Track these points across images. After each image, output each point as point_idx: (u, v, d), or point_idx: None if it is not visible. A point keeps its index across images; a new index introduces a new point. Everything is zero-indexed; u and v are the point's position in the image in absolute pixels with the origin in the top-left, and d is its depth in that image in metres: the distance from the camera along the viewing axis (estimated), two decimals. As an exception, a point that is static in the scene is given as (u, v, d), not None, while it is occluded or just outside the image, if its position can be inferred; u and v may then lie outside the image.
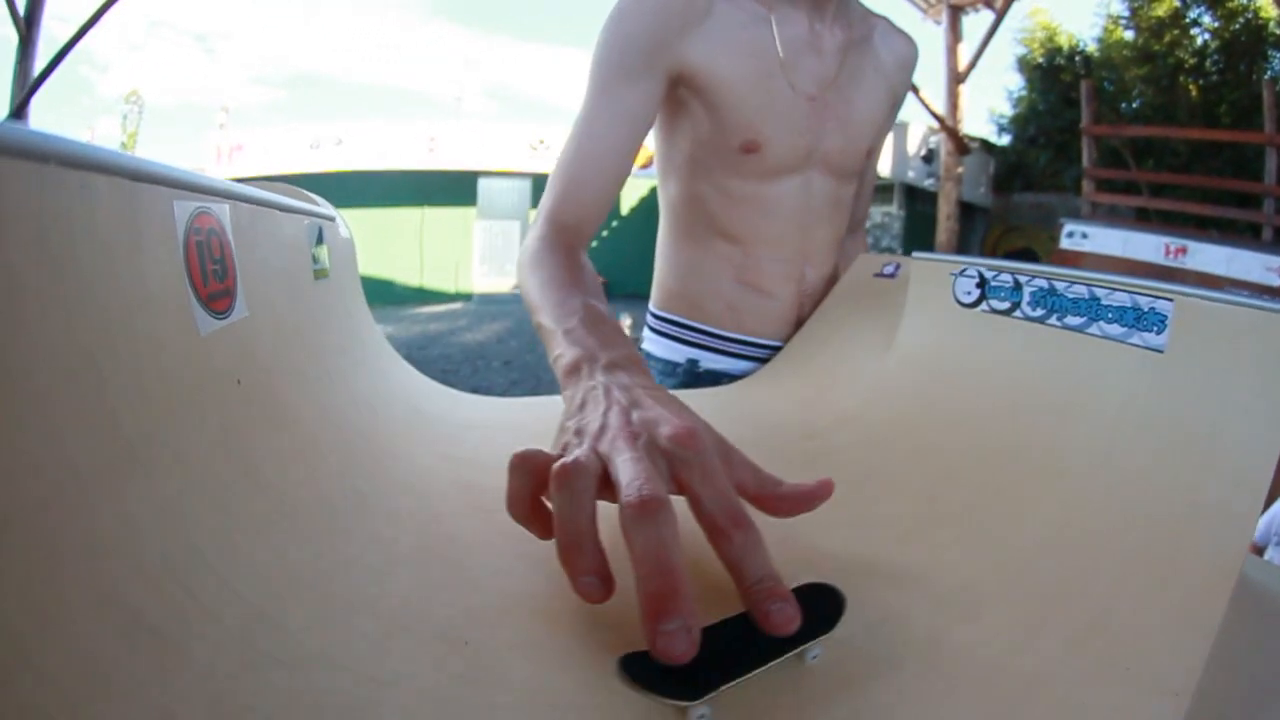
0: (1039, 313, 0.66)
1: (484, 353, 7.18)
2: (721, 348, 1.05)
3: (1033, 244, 11.27)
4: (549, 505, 0.36)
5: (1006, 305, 0.69)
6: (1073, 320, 0.63)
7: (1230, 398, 0.50)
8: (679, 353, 1.07)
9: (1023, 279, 0.67)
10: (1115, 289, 0.60)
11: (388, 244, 11.84)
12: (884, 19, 1.02)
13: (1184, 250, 3.72)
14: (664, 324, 1.10)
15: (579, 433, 0.41)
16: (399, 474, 0.52)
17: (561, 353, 0.56)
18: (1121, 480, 0.53)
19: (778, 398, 0.85)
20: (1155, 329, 0.57)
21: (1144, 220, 5.19)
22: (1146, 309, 0.58)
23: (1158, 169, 8.16)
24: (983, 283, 0.71)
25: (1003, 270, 0.69)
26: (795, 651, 0.31)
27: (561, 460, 0.36)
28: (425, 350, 7.29)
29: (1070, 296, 0.64)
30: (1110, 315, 0.61)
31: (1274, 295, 3.39)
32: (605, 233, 14.34)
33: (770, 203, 0.96)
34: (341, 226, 0.77)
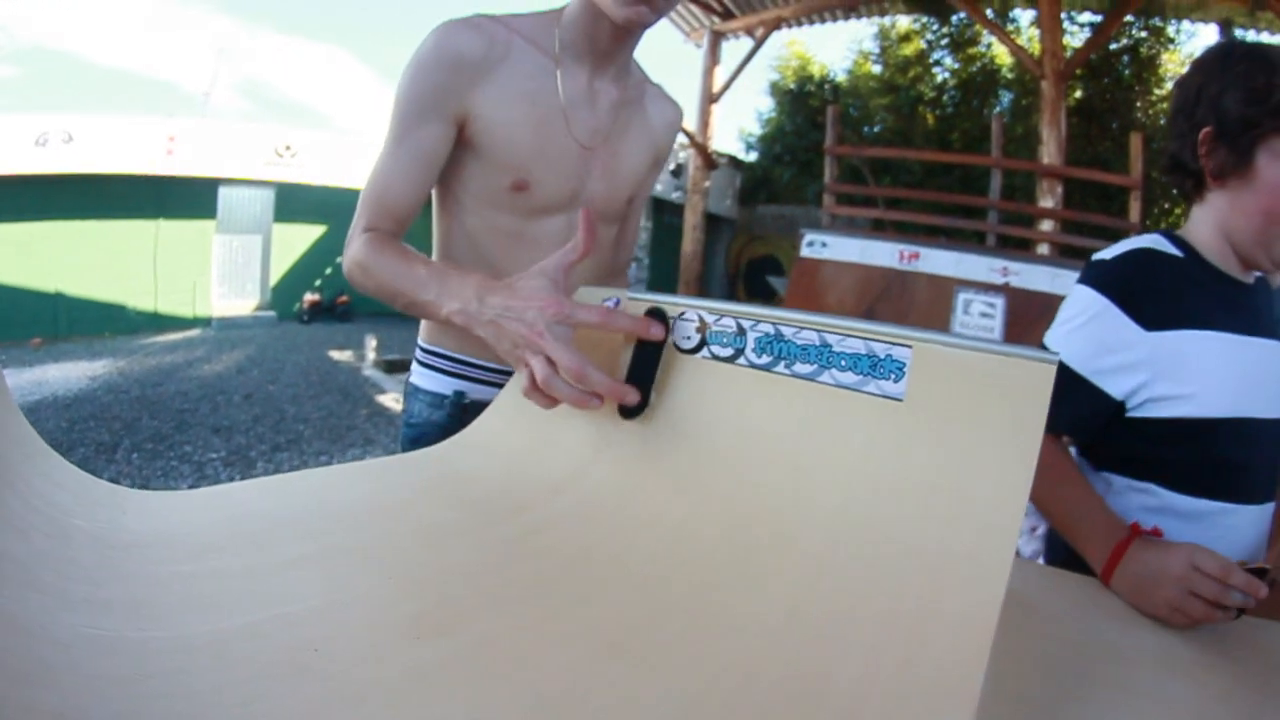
0: (765, 360, 0.60)
1: (224, 386, 6.65)
2: (485, 378, 1.09)
3: (775, 252, 12.23)
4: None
5: (729, 352, 0.62)
6: (802, 368, 0.58)
7: (975, 445, 0.49)
8: (446, 384, 1.11)
9: (747, 324, 0.61)
10: (848, 335, 0.56)
11: (119, 261, 10.42)
12: (656, 86, 1.12)
13: (917, 255, 4.08)
14: (430, 356, 1.13)
15: (517, 346, 0.68)
16: (30, 661, 0.39)
17: (449, 309, 0.77)
18: (864, 541, 0.49)
19: (485, 460, 0.77)
20: (893, 376, 0.54)
21: (880, 230, 5.71)
22: (883, 355, 0.54)
23: (894, 185, 9.12)
24: (703, 326, 0.64)
25: (725, 314, 0.62)
26: None
27: (535, 380, 0.65)
28: (160, 387, 6.63)
29: (799, 343, 0.58)
30: (843, 362, 0.56)
31: (1000, 291, 3.85)
32: None
33: (534, 239, 1.02)
34: None
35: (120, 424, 5.26)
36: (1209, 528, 0.90)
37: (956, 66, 11.63)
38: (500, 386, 1.02)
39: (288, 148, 10.94)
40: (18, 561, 0.49)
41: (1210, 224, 0.93)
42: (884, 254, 4.07)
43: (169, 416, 5.56)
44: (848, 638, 0.43)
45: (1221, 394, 0.87)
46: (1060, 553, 0.95)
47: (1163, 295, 0.90)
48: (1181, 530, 0.87)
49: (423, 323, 1.15)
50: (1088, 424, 0.94)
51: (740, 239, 13.05)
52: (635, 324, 0.64)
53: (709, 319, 0.63)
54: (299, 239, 12.36)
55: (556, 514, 0.62)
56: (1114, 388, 0.90)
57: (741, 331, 0.60)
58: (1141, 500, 0.93)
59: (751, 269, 12.61)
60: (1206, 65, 0.92)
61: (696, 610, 0.48)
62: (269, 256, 11.78)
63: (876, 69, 12.57)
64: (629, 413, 0.64)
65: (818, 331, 0.56)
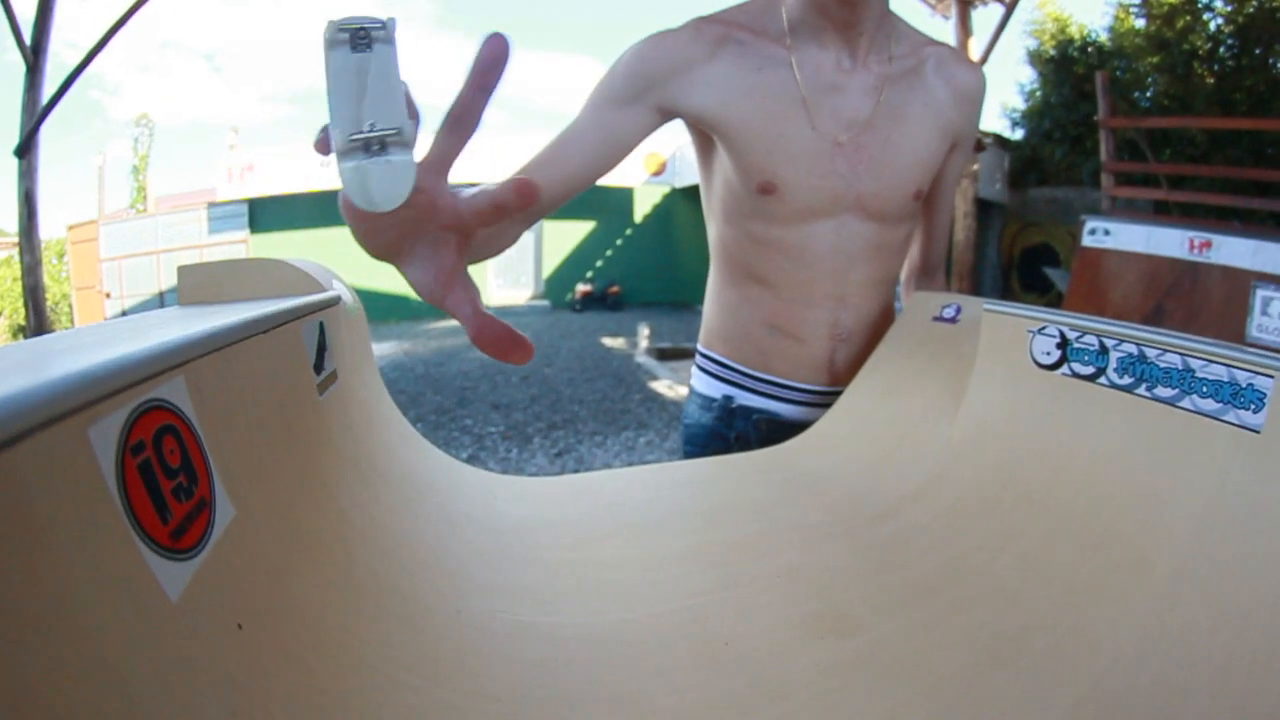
0: (1126, 381, 0.61)
1: (502, 368, 7.07)
2: (754, 387, 1.07)
3: (1051, 240, 11.05)
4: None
5: (1090, 370, 0.63)
6: (1163, 392, 0.58)
7: None
8: (716, 389, 1.10)
9: (1109, 342, 0.62)
10: (1211, 360, 0.55)
11: (403, 259, 11.78)
12: (944, 47, 0.96)
13: (1209, 244, 3.60)
14: (706, 360, 1.13)
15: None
16: (456, 648, 0.43)
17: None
18: (1215, 576, 0.48)
19: (837, 462, 0.80)
20: (1253, 407, 0.52)
21: (1163, 213, 5.09)
22: (1245, 384, 0.53)
23: (1176, 160, 8.03)
24: (1065, 343, 0.65)
25: (1088, 331, 0.64)
26: None
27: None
28: (443, 367, 7.23)
29: (1162, 365, 0.58)
30: (1205, 389, 0.55)
31: (1303, 287, 3.34)
32: (619, 241, 14.43)
33: (797, 247, 0.95)
34: (345, 296, 0.66)
35: (407, 398, 5.83)
36: None
37: (1229, 10, 9.78)
38: (767, 396, 1.06)
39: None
40: (423, 553, 0.52)
41: None
42: (1172, 242, 3.58)
43: (451, 393, 6.08)
44: (1196, 669, 0.42)
45: None
46: None
47: None
48: None
49: (702, 328, 1.15)
50: None
51: (1013, 226, 11.93)
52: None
53: (1070, 335, 0.64)
54: (570, 233, 13.44)
55: (920, 523, 0.64)
56: None
57: (1104, 350, 0.61)
58: None
59: (1025, 259, 11.47)
60: None
61: (1060, 627, 0.48)
62: (542, 250, 12.89)
63: (1140, 23, 10.94)
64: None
65: (1181, 355, 0.56)
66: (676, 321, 10.37)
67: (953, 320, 0.88)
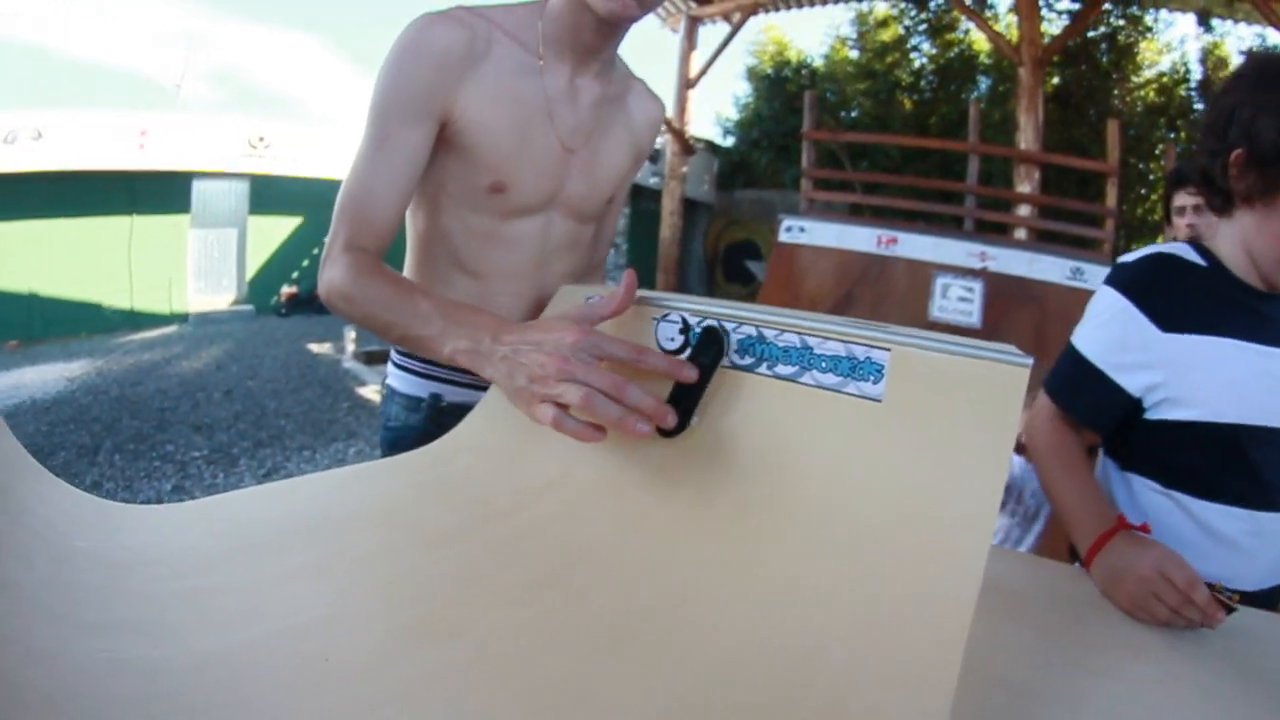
0: (747, 361, 0.61)
1: (203, 383, 6.54)
2: (462, 380, 1.07)
3: (754, 237, 12.17)
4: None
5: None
6: (784, 369, 0.59)
7: (951, 444, 0.50)
8: (422, 388, 1.09)
9: (729, 325, 0.61)
10: (829, 338, 0.57)
11: (94, 259, 10.18)
12: (640, 82, 1.09)
13: (895, 240, 4.09)
14: (406, 359, 1.12)
15: (539, 381, 0.63)
16: (48, 690, 0.40)
17: (454, 349, 0.73)
18: (847, 536, 0.51)
19: (475, 461, 0.78)
20: (872, 378, 0.55)
21: (858, 215, 5.73)
22: (862, 358, 0.56)
23: (872, 170, 9.13)
24: (686, 328, 0.65)
25: (708, 315, 0.63)
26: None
27: (553, 417, 0.61)
28: (139, 386, 6.51)
29: (780, 345, 0.59)
30: (824, 364, 0.57)
31: (978, 275, 3.88)
32: (327, 239, 13.35)
33: (511, 240, 0.99)
34: None
35: (100, 425, 5.17)
36: (1233, 537, 0.91)
37: (934, 52, 11.68)
38: (476, 389, 1.02)
39: (261, 139, 10.74)
40: (26, 590, 0.49)
41: (1235, 240, 0.94)
42: (862, 239, 4.08)
43: (149, 416, 5.46)
44: (833, 626, 0.45)
45: (1237, 400, 0.88)
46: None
47: (1181, 299, 0.92)
48: (1203, 540, 0.90)
49: None
50: (1104, 416, 0.98)
51: (718, 224, 12.98)
52: (669, 366, 0.61)
53: (691, 320, 0.63)
54: (275, 231, 12.12)
55: (547, 515, 0.63)
56: (1130, 383, 0.93)
57: (724, 333, 0.61)
58: (1161, 503, 0.95)
59: (730, 254, 12.52)
60: (1242, 84, 0.91)
61: (690, 603, 0.49)
62: (245, 250, 11.60)
63: (854, 54, 12.56)
64: (667, 433, 0.61)
65: (799, 335, 0.57)
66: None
67: None
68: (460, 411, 1.00)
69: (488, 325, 0.71)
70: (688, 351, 0.64)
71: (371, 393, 6.33)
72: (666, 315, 0.65)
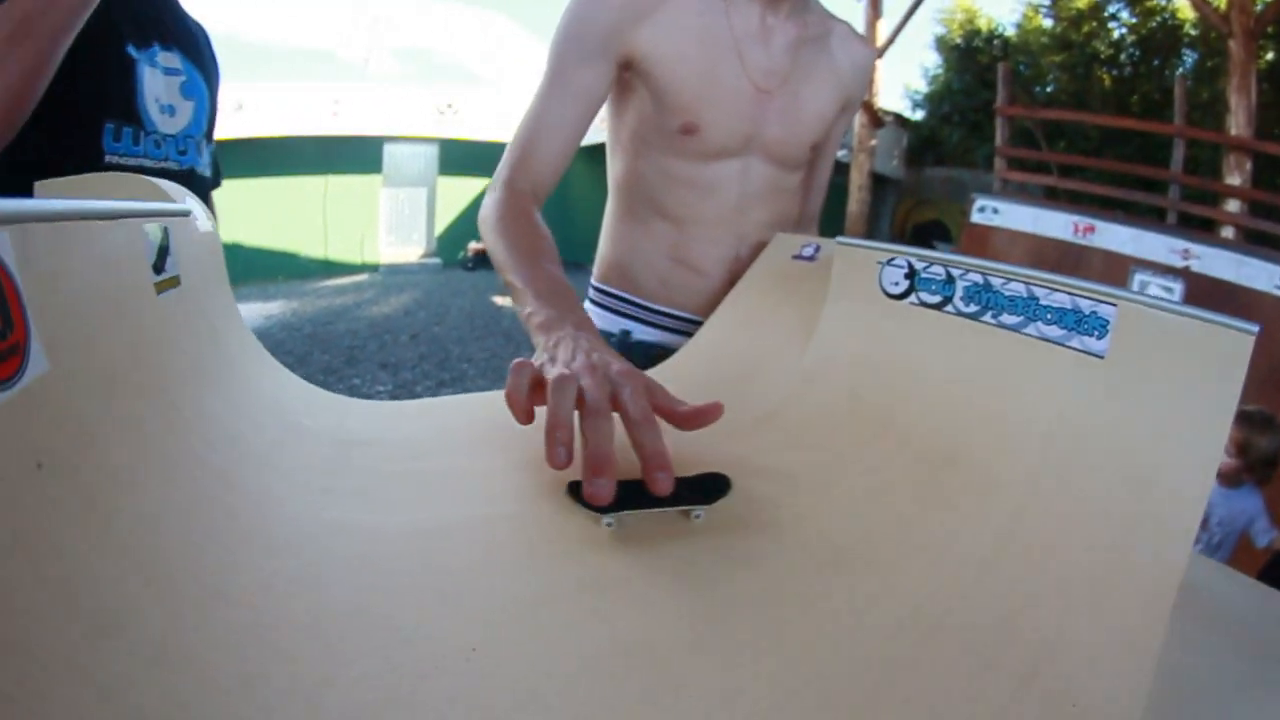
0: (972, 309, 0.61)
1: (391, 326, 6.98)
2: (653, 320, 1.10)
3: (943, 217, 11.55)
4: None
5: (938, 299, 0.63)
6: (1009, 319, 0.59)
7: (1170, 409, 0.48)
8: (613, 323, 1.12)
9: (956, 272, 0.62)
10: (1055, 289, 0.56)
11: (291, 214, 11.24)
12: (843, 24, 1.05)
13: (1092, 229, 3.82)
14: (602, 295, 1.15)
15: (553, 360, 0.58)
16: (269, 533, 0.44)
17: (534, 311, 0.70)
18: (1058, 493, 0.50)
19: (688, 392, 0.79)
20: (1096, 333, 0.54)
21: (1053, 199, 5.35)
22: (1088, 312, 0.54)
23: (1069, 151, 8.46)
24: (912, 273, 0.66)
25: (935, 261, 0.64)
26: (682, 508, 0.48)
27: (559, 372, 0.53)
28: (330, 326, 7.01)
29: (1007, 294, 0.59)
30: (1049, 316, 0.57)
31: (1179, 275, 3.56)
32: (548, 204, 13.95)
33: (707, 183, 1.00)
34: (199, 218, 0.68)
35: (293, 358, 5.61)
36: None
37: (1134, 21, 10.52)
38: (666, 330, 1.08)
39: (450, 105, 11.48)
40: (257, 448, 0.54)
41: None
42: (1057, 225, 3.82)
43: (339, 352, 5.92)
44: (1041, 585, 0.44)
45: None
46: None
47: None
48: None
49: (597, 260, 1.17)
50: None
51: (907, 202, 12.41)
52: (698, 414, 0.55)
53: (918, 265, 0.64)
54: (463, 191, 12.93)
55: (766, 443, 0.64)
56: None
57: (950, 279, 0.62)
58: None
59: (918, 233, 11.93)
60: None
61: (905, 539, 0.49)
62: (434, 207, 12.47)
63: (1047, 23, 11.58)
64: (580, 498, 0.48)
65: (1025, 284, 0.57)
66: (570, 280, 9.85)
67: (811, 259, 0.89)
68: (647, 349, 1.08)
69: (577, 318, 0.68)
70: (898, 289, 0.65)
71: None
72: (892, 260, 0.67)
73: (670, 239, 1.05)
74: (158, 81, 1.07)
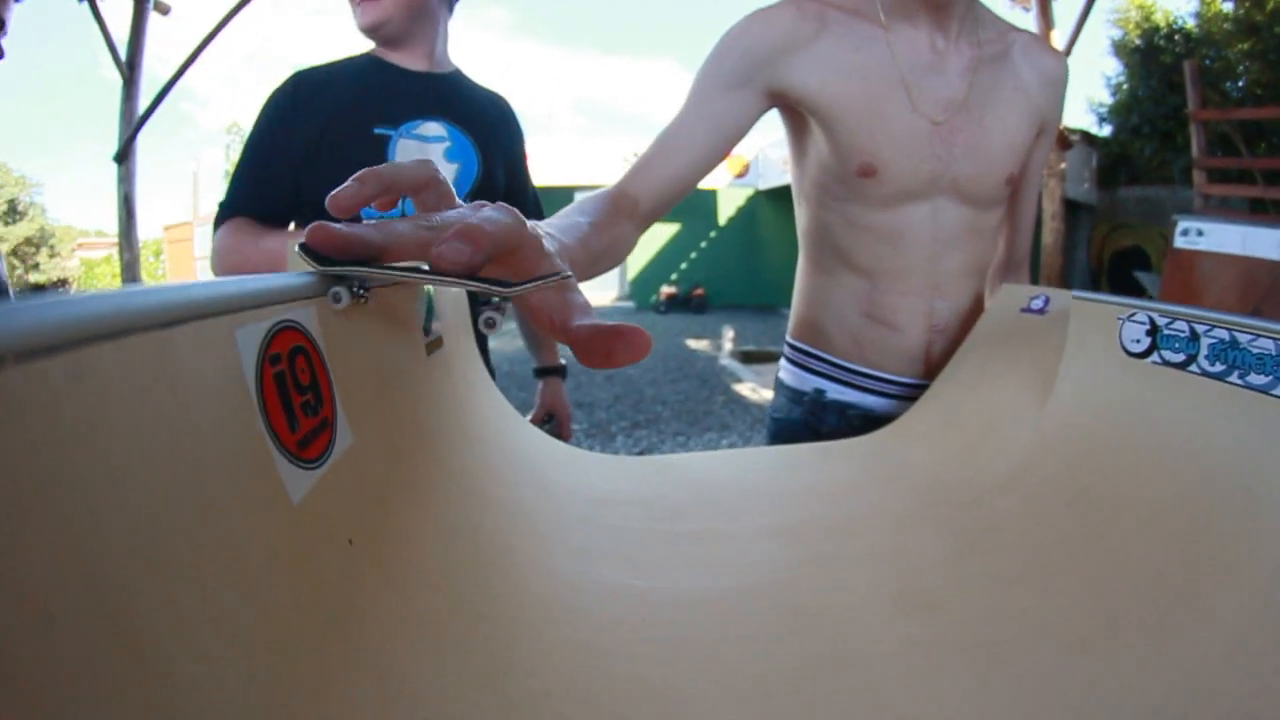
0: (1219, 368, 0.58)
1: (585, 369, 7.11)
2: (847, 379, 1.03)
3: (1142, 242, 10.54)
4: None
5: (1181, 358, 0.61)
6: (1256, 379, 0.55)
7: None
8: (807, 382, 1.07)
9: (1200, 328, 0.60)
10: None
11: (487, 261, 12.09)
12: (1026, 33, 0.97)
13: (1309, 245, 3.39)
14: (796, 353, 1.10)
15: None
16: (549, 600, 0.44)
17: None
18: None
19: (925, 451, 0.78)
20: None
21: (1260, 212, 4.83)
22: None
23: (1272, 154, 7.60)
24: (1154, 329, 0.64)
25: (1177, 316, 0.62)
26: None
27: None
28: (528, 365, 7.23)
29: (1255, 351, 0.56)
30: None
31: None
32: (703, 244, 14.37)
33: (894, 230, 0.93)
34: None
35: None
36: None
37: None
38: (861, 390, 1.03)
39: (635, 153, 11.90)
40: (518, 511, 0.53)
41: None
42: (1269, 243, 3.34)
43: (533, 390, 6.06)
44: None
45: None
46: None
47: None
48: None
49: (791, 319, 1.13)
50: None
51: (1102, 228, 11.40)
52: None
53: (1160, 321, 0.62)
54: (655, 236, 13.52)
55: (1007, 513, 0.62)
56: None
57: (1195, 336, 0.59)
58: None
59: (1116, 262, 10.94)
60: None
61: (1148, 623, 0.46)
62: (626, 253, 13.14)
63: (1228, 7, 10.39)
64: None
65: (1275, 341, 0.54)
66: (761, 324, 10.21)
67: (1041, 311, 0.85)
68: (841, 408, 1.03)
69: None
70: (1140, 347, 0.64)
71: (746, 390, 6.41)
72: (1133, 315, 0.65)
73: (860, 292, 0.99)
74: (414, 150, 1.17)
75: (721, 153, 0.88)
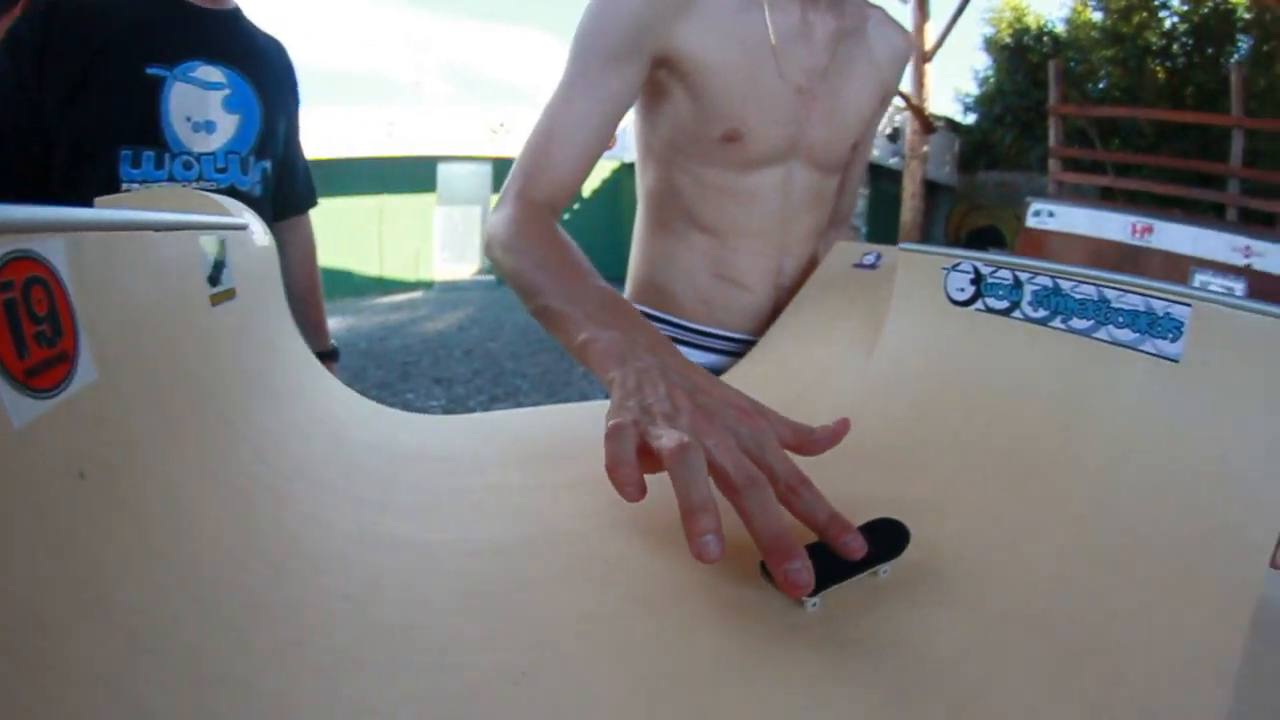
0: (1041, 314, 0.60)
1: (445, 342, 7.04)
2: (694, 341, 1.02)
3: (997, 222, 11.35)
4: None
5: (1005, 305, 0.62)
6: (1079, 323, 0.57)
7: (1250, 415, 0.46)
8: None
9: (1023, 276, 0.61)
10: (1128, 290, 0.55)
11: (347, 234, 11.40)
12: (879, 10, 0.99)
13: (1150, 229, 3.72)
14: (649, 318, 1.05)
15: (646, 410, 0.46)
16: (317, 548, 0.42)
17: (590, 336, 0.57)
18: (1132, 505, 0.48)
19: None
20: (1170, 336, 0.52)
21: (1109, 199, 5.21)
22: (1161, 314, 0.52)
23: (1124, 149, 8.26)
24: (978, 279, 0.64)
25: (1001, 265, 0.63)
26: (870, 570, 0.42)
27: (679, 442, 0.41)
28: (385, 342, 7.11)
29: (1077, 297, 0.58)
30: (1121, 319, 0.55)
31: (1240, 274, 3.45)
32: (566, 215, 14.03)
33: (749, 194, 0.93)
34: (257, 233, 0.68)
35: (348, 374, 5.60)
36: None
37: (1186, 9, 10.19)
38: (708, 350, 1.02)
39: (502, 124, 11.64)
40: (306, 464, 0.52)
41: None
42: (1115, 226, 3.71)
43: (393, 367, 5.96)
44: (1114, 600, 0.41)
45: None
46: None
47: None
48: None
49: (629, 281, 1.09)
50: None
51: (960, 207, 12.22)
52: (830, 436, 0.50)
53: (984, 270, 0.63)
54: None
55: (826, 459, 0.58)
56: None
57: (1018, 284, 0.60)
58: None
59: (972, 240, 11.74)
60: None
61: (967, 558, 0.46)
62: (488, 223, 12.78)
63: (1097, 16, 11.32)
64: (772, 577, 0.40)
65: (1096, 286, 0.56)
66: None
67: (873, 267, 0.86)
68: None
69: (649, 338, 0.57)
70: (964, 295, 0.64)
71: None
72: (958, 265, 0.65)
73: (711, 253, 0.98)
74: (191, 97, 1.05)
75: (613, 131, 0.84)
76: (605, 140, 0.83)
